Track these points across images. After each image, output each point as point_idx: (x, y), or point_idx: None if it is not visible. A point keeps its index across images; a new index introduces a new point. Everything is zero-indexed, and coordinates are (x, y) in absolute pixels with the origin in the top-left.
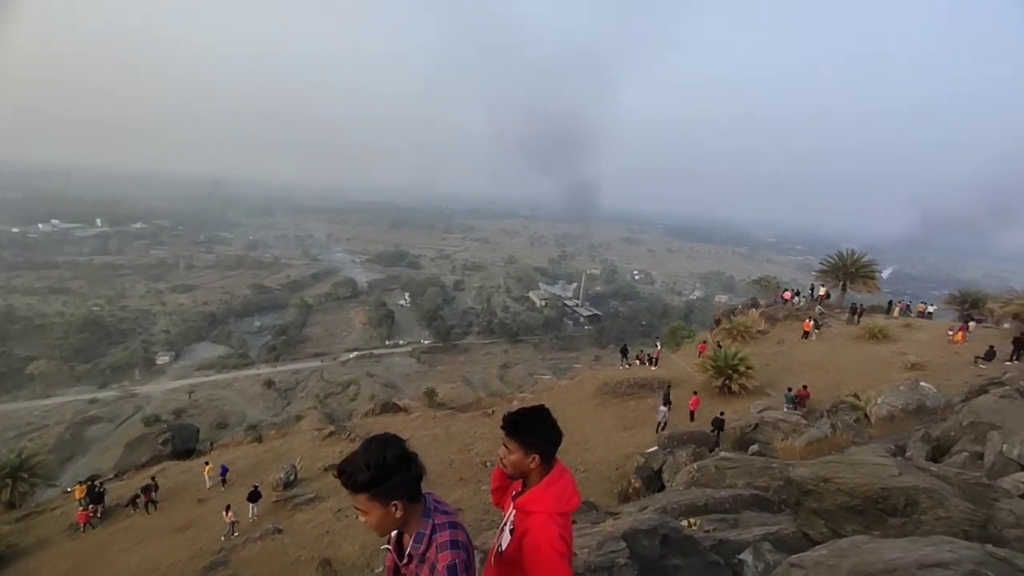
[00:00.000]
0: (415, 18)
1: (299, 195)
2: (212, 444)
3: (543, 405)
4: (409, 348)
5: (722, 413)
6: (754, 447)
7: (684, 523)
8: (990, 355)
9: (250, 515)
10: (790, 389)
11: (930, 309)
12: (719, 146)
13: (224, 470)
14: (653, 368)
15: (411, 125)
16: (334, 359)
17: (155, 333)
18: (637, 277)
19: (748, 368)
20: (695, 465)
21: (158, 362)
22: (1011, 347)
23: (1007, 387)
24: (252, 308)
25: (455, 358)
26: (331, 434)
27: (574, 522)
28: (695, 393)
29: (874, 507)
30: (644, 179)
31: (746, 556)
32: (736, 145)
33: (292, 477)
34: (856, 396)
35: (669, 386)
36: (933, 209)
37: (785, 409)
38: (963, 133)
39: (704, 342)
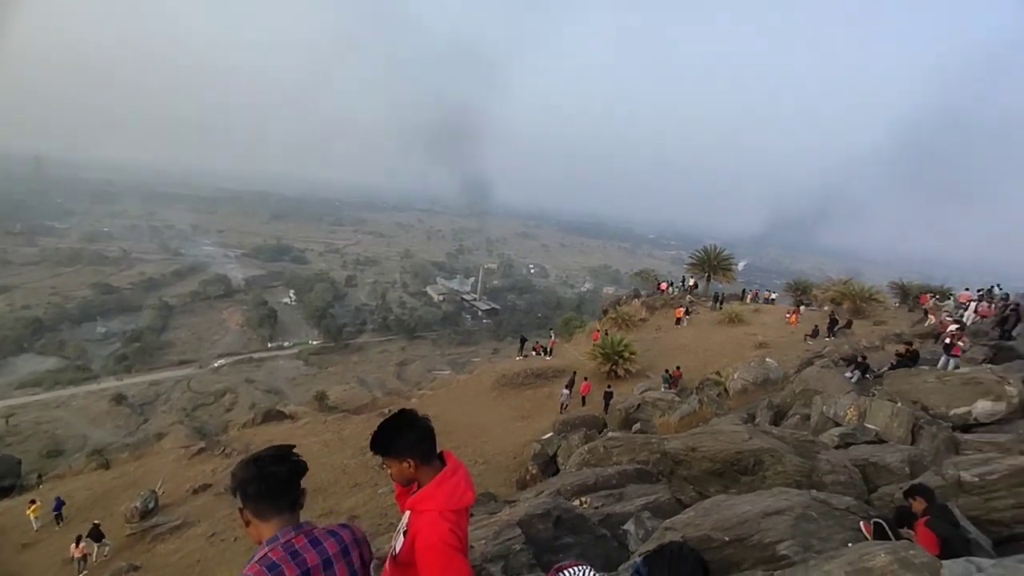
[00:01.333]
0: (284, 9)
1: (154, 180)
2: (40, 476)
3: (402, 409)
4: (296, 350)
5: (609, 386)
6: (637, 425)
7: (576, 503)
8: (815, 333)
9: (94, 557)
10: (667, 371)
11: (772, 296)
12: (605, 146)
13: (59, 504)
14: (548, 358)
15: (296, 112)
16: (204, 366)
17: None
18: (533, 271)
19: (631, 354)
20: (586, 447)
21: None
22: (828, 325)
23: (826, 359)
24: (94, 311)
25: (348, 358)
26: (201, 450)
27: (472, 515)
28: (586, 379)
29: (731, 469)
30: (538, 175)
31: (629, 526)
32: (621, 147)
33: (151, 504)
34: (718, 373)
35: (575, 373)
36: (777, 211)
37: (662, 389)
38: (801, 153)
39: (597, 331)
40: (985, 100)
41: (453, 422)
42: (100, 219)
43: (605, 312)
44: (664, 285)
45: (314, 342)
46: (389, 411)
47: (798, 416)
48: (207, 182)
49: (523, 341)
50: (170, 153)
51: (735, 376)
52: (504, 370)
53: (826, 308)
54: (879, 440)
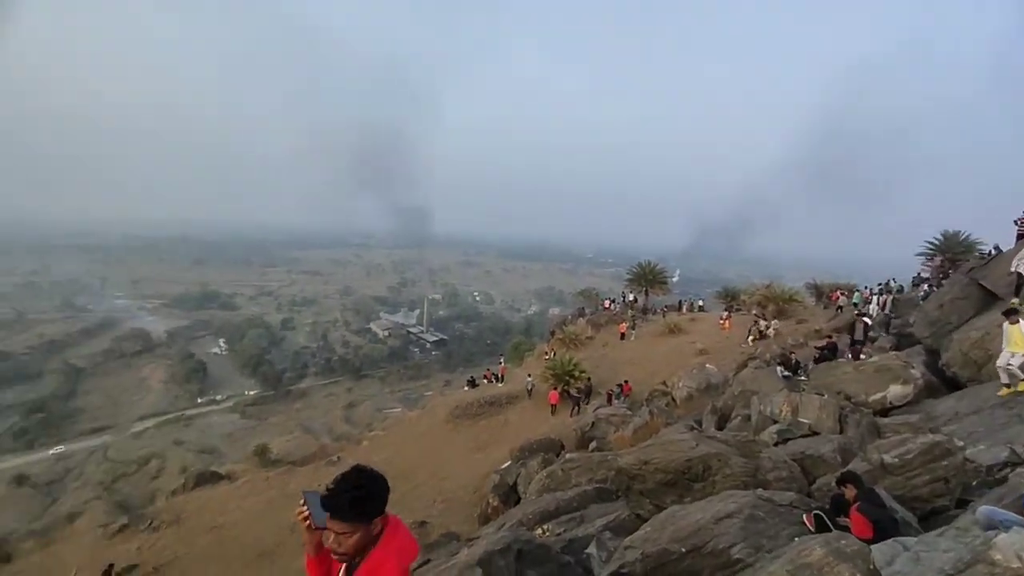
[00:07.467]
0: (188, 20)
1: (50, 232)
2: None
3: (358, 465)
4: (230, 403)
5: (578, 390)
6: (593, 443)
7: (538, 531)
8: (760, 335)
9: None
10: (618, 386)
11: (701, 304)
12: (540, 171)
13: None
14: (500, 385)
15: (203, 146)
16: (123, 432)
17: None
18: (478, 298)
19: (582, 372)
20: (545, 472)
21: None
22: (755, 327)
23: (758, 360)
24: None
25: (290, 406)
26: (124, 527)
27: (428, 561)
28: (554, 388)
29: (683, 478)
30: (475, 202)
31: (591, 549)
32: (555, 172)
33: None
34: (664, 383)
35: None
36: (702, 223)
37: (615, 403)
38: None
39: (546, 353)
40: (868, 107)
41: (409, 461)
42: None
43: (552, 333)
44: (607, 302)
45: (251, 392)
46: (339, 458)
47: (739, 417)
48: (110, 229)
49: (472, 382)
50: (65, 201)
51: (680, 385)
52: (457, 401)
53: (754, 312)
54: (813, 432)
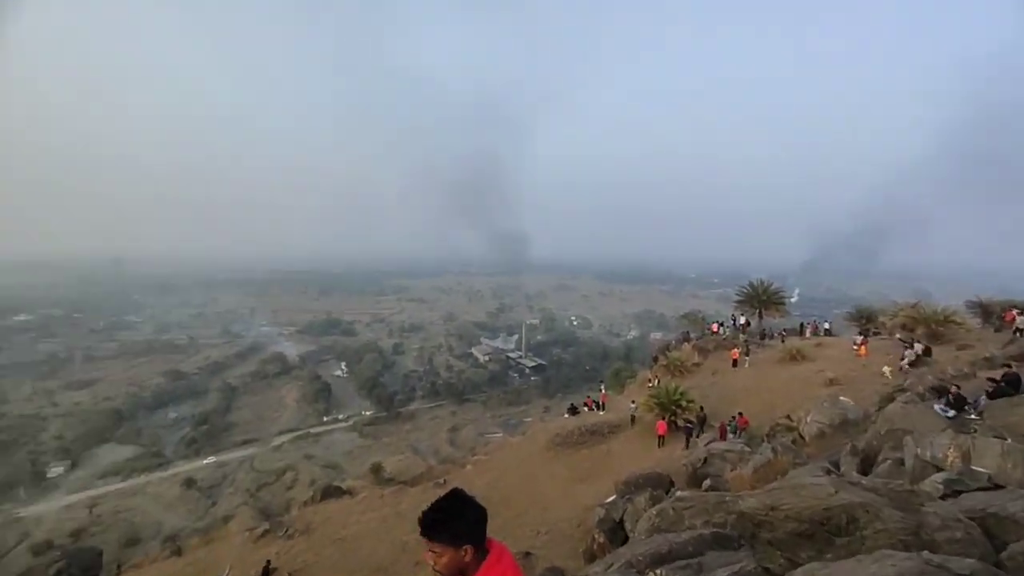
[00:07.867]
0: (307, 76)
1: (212, 269)
2: (119, 567)
3: (455, 488)
4: (350, 422)
5: (689, 421)
6: (707, 481)
7: None
8: (915, 358)
9: None
10: (733, 418)
11: (826, 326)
12: (636, 192)
13: None
14: (601, 413)
15: (325, 189)
16: (265, 445)
17: (45, 440)
18: (575, 323)
19: (689, 402)
20: (654, 510)
21: (49, 475)
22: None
23: (909, 393)
24: (166, 398)
25: (400, 427)
26: (266, 532)
27: None
28: (661, 418)
29: (821, 529)
30: (568, 226)
31: None
32: (652, 191)
33: None
34: (789, 417)
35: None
36: (825, 236)
37: (730, 438)
38: (849, 166)
39: (649, 381)
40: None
41: (511, 488)
42: (169, 310)
43: (655, 359)
44: (715, 326)
45: (367, 413)
46: (444, 481)
47: (889, 461)
48: (257, 266)
49: (573, 409)
50: (220, 241)
51: (808, 419)
52: (558, 429)
53: (898, 335)
54: (994, 485)
